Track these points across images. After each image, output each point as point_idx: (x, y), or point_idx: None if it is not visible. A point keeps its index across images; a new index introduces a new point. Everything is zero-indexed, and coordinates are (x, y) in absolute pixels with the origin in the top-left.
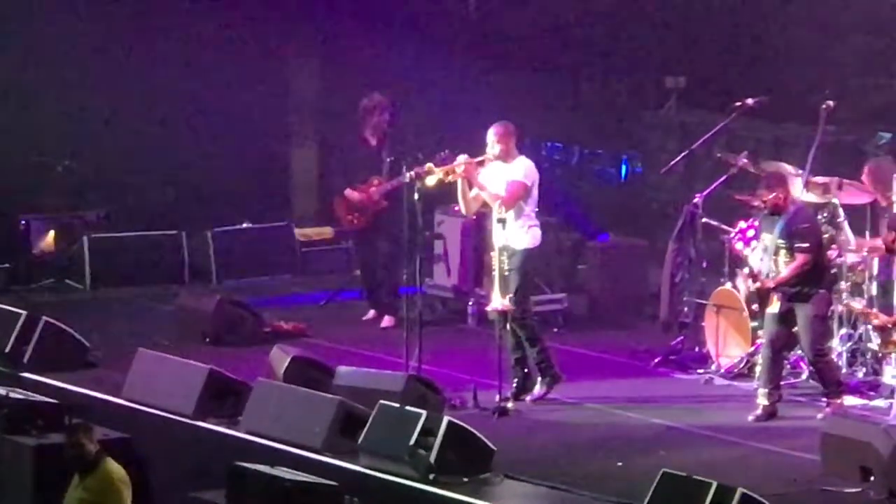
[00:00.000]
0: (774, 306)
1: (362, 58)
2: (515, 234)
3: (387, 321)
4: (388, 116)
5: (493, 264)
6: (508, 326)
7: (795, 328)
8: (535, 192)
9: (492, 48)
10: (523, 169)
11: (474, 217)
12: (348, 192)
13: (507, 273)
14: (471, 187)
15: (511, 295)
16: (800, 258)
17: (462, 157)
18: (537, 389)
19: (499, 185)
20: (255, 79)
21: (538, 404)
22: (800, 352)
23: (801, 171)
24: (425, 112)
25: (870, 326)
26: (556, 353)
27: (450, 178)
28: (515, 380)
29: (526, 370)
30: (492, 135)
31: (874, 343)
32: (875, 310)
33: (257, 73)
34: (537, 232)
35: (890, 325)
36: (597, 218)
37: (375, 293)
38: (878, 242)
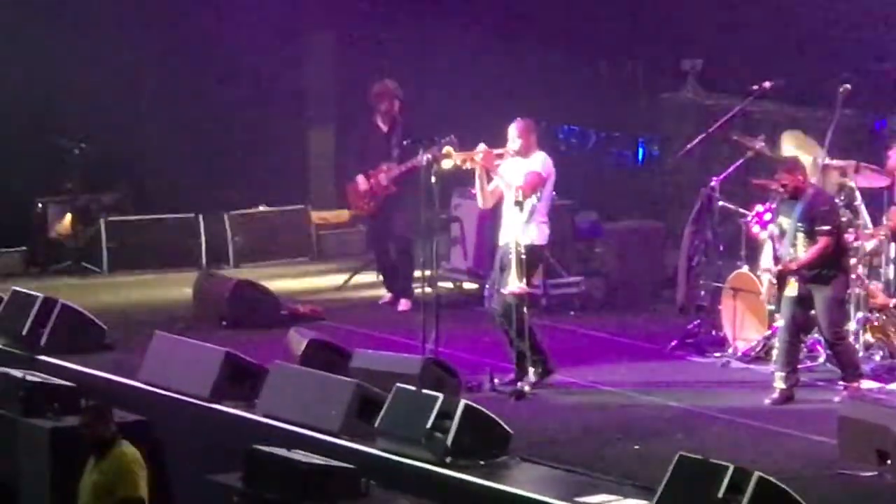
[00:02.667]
0: (792, 289)
1: (380, 39)
2: (523, 228)
3: (404, 304)
4: (399, 103)
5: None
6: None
7: (813, 311)
8: (550, 187)
9: (508, 30)
10: (541, 162)
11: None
12: (360, 178)
13: (511, 260)
14: (488, 178)
15: (504, 291)
16: (822, 241)
17: (481, 146)
18: (531, 377)
19: (517, 179)
20: (273, 60)
21: (545, 388)
22: (817, 335)
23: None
24: (440, 93)
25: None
26: (573, 337)
27: (467, 165)
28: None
29: (527, 357)
30: (513, 130)
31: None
32: (876, 286)
33: (274, 55)
34: (545, 230)
35: (889, 307)
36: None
37: (390, 277)
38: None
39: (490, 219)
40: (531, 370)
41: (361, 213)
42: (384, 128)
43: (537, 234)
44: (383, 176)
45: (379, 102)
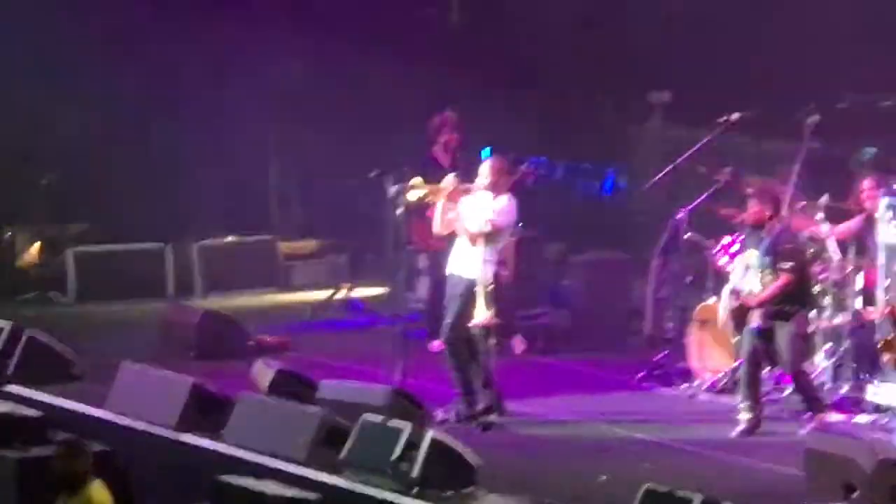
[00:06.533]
0: (754, 322)
1: (345, 69)
2: (471, 263)
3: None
4: (459, 134)
5: (476, 281)
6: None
7: (775, 344)
8: (505, 235)
9: (475, 62)
10: (504, 209)
11: (447, 234)
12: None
13: (458, 293)
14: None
15: (448, 321)
16: (783, 278)
17: (450, 179)
18: (445, 411)
19: (477, 216)
20: (238, 90)
21: (512, 419)
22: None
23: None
24: (408, 125)
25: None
26: (539, 368)
27: (433, 197)
28: (489, 399)
29: (496, 389)
30: (486, 167)
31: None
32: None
33: (240, 84)
34: (492, 268)
35: None
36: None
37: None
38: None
39: None
40: (456, 402)
41: (427, 249)
42: (445, 161)
43: (482, 272)
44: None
45: (438, 133)
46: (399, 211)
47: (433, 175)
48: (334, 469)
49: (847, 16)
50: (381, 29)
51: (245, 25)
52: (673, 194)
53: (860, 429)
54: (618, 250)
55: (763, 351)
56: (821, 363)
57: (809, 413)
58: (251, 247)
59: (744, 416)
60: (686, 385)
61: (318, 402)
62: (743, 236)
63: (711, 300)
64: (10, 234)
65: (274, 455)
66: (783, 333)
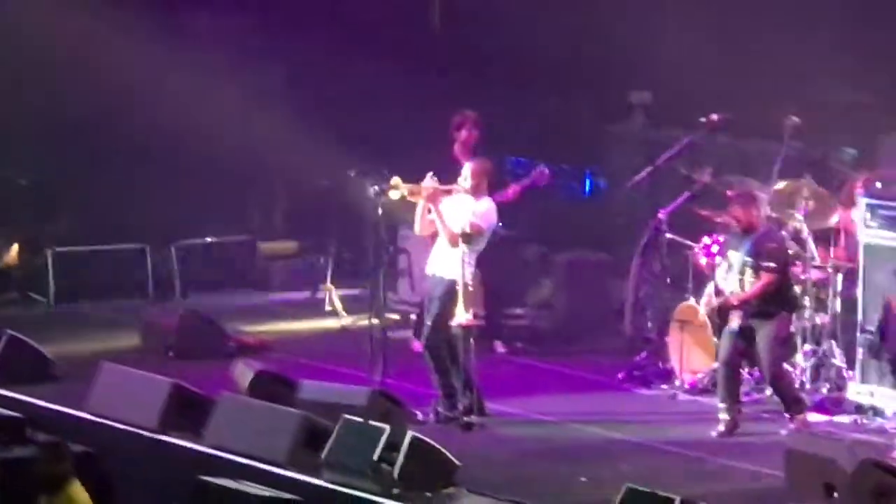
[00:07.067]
0: (733, 323)
1: (326, 70)
2: (451, 264)
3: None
4: (477, 133)
5: (457, 280)
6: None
7: (754, 344)
8: (485, 239)
9: (456, 64)
10: (486, 212)
11: (428, 235)
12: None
13: (439, 292)
14: (430, 210)
15: (428, 322)
16: (765, 277)
17: (429, 181)
18: (426, 412)
19: (457, 218)
20: (219, 90)
21: (492, 419)
22: None
23: (765, 188)
24: (388, 126)
25: (834, 342)
26: (520, 368)
27: (413, 198)
28: (469, 400)
29: (476, 389)
30: (468, 169)
31: (838, 360)
32: None
33: (221, 85)
34: (471, 270)
35: None
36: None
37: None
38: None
39: None
40: (459, 404)
41: None
42: (463, 159)
43: (461, 272)
44: None
45: (457, 132)
46: (379, 211)
47: (456, 175)
48: (315, 470)
49: (827, 15)
50: (362, 30)
51: (226, 25)
52: (653, 195)
53: (841, 429)
54: (598, 251)
55: (742, 352)
56: (800, 363)
57: (788, 413)
58: (231, 247)
59: (723, 417)
60: (666, 385)
61: (298, 402)
62: (723, 237)
63: (691, 301)
64: None
65: (254, 456)
66: (763, 335)
